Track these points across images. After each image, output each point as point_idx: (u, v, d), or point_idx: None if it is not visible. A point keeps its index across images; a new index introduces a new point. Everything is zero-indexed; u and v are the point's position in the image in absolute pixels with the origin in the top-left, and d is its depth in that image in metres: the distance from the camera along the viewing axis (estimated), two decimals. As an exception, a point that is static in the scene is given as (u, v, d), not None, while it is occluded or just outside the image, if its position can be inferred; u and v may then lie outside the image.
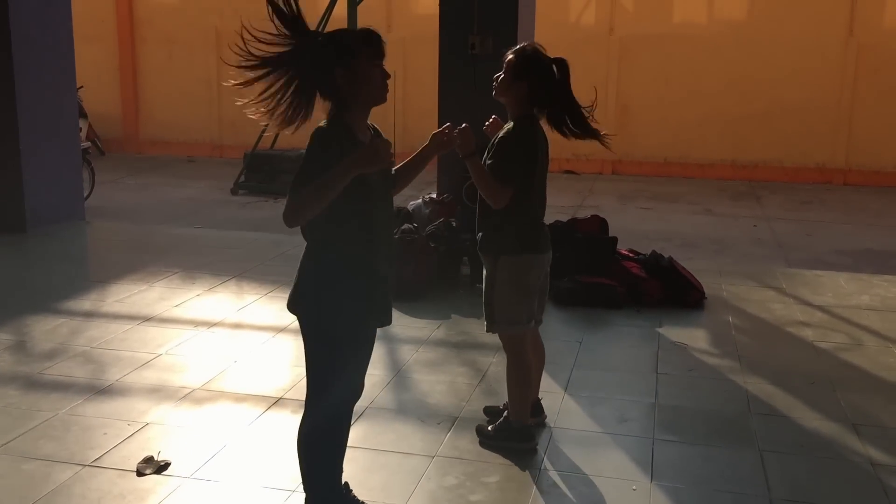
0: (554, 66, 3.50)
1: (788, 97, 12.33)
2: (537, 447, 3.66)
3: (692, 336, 5.23)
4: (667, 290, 5.83)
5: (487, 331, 3.67)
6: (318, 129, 2.68)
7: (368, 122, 2.83)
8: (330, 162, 2.59)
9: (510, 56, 3.51)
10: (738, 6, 12.63)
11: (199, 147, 14.36)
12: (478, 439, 3.71)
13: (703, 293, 5.91)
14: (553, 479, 3.44)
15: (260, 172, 11.11)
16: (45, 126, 7.71)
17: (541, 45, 3.58)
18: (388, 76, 2.73)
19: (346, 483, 3.09)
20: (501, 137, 3.53)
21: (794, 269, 7.27)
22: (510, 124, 3.54)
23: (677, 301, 5.79)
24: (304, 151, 2.66)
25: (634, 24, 12.82)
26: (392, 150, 2.68)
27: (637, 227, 8.90)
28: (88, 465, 3.45)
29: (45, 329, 5.10)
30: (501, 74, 3.51)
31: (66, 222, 7.95)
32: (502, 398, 4.23)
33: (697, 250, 8.18)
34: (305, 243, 2.83)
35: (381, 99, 2.74)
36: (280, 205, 3.10)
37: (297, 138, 2.99)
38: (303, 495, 2.98)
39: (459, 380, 4.46)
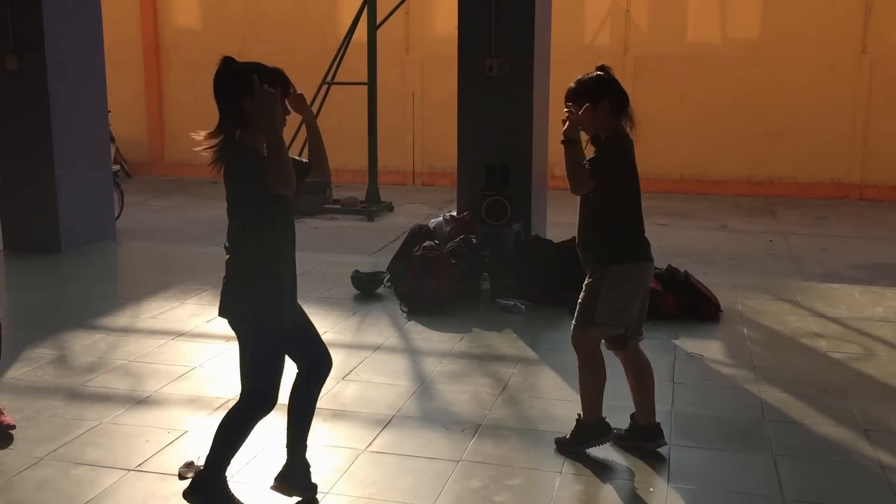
0: (606, 73, 3.68)
1: (803, 113, 12.48)
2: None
3: (708, 347, 5.37)
4: (683, 303, 5.98)
5: (582, 331, 3.73)
6: (235, 158, 3.07)
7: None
8: (261, 174, 2.99)
9: (574, 87, 3.66)
10: (752, 25, 12.80)
11: (223, 169, 14.66)
12: (554, 447, 3.86)
13: (719, 306, 6.05)
14: (573, 482, 3.60)
15: (283, 193, 11.35)
16: (79, 150, 7.99)
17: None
18: (287, 111, 3.18)
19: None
20: (598, 148, 3.68)
21: (809, 282, 7.40)
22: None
23: (693, 314, 5.94)
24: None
25: (649, 43, 13.03)
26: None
27: (653, 243, 8.95)
28: (133, 470, 3.65)
29: (84, 344, 5.33)
30: (572, 109, 3.61)
31: (98, 242, 8.21)
32: (524, 408, 4.40)
33: (713, 265, 8.31)
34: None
35: (280, 127, 3.09)
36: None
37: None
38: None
39: (482, 390, 4.63)
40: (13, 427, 3.98)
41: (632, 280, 3.72)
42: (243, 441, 3.27)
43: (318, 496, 3.45)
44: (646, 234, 3.80)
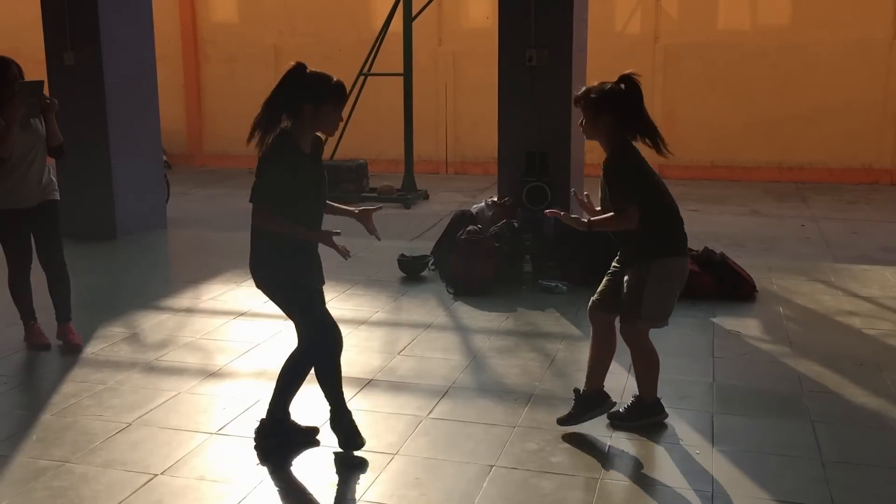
0: (623, 85, 3.75)
1: (833, 99, 12.56)
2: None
3: (745, 325, 5.59)
4: (719, 283, 6.19)
5: (629, 326, 3.90)
6: (281, 143, 3.53)
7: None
8: (284, 170, 3.50)
9: (580, 97, 3.80)
10: (782, 12, 12.89)
11: (260, 159, 15.00)
12: (608, 422, 4.02)
13: (755, 286, 6.26)
14: (622, 445, 3.85)
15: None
16: (132, 141, 8.34)
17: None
18: (341, 119, 3.64)
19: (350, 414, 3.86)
20: (606, 166, 3.81)
21: (841, 264, 7.57)
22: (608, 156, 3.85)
23: (730, 294, 6.15)
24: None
25: (679, 31, 13.16)
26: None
27: (687, 229, 9.21)
28: (215, 434, 3.96)
29: (152, 323, 5.65)
30: (582, 118, 3.82)
31: (150, 230, 8.56)
32: (573, 381, 4.63)
33: (746, 249, 8.48)
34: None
35: (331, 134, 3.71)
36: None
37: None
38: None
39: (531, 364, 4.89)
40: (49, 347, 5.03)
41: (674, 273, 3.88)
42: (336, 370, 3.76)
43: (386, 457, 3.72)
44: (683, 229, 3.94)
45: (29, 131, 4.85)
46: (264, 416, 3.84)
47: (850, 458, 3.74)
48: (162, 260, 7.80)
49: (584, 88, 3.84)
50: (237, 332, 5.49)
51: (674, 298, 3.95)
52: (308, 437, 3.89)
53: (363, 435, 3.78)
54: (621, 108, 3.75)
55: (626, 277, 3.90)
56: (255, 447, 3.78)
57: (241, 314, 5.86)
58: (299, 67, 3.59)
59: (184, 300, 6.20)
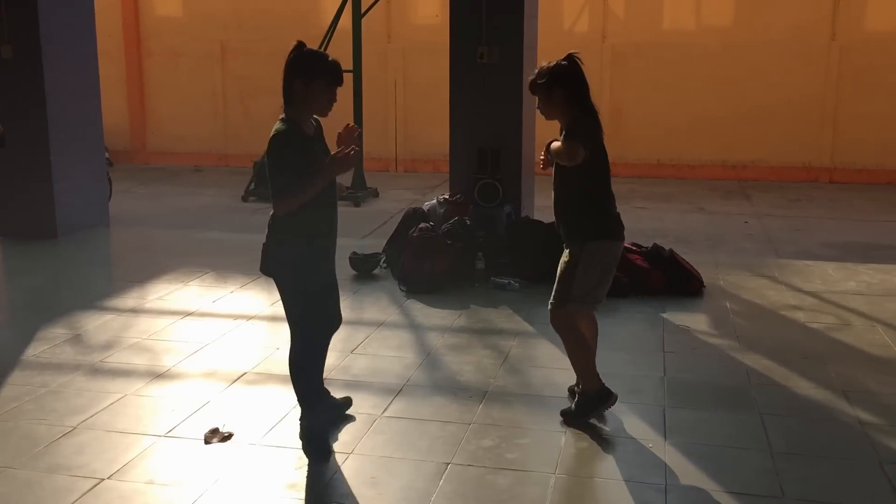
0: (567, 62, 3.84)
1: (775, 99, 12.85)
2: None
3: (694, 320, 5.67)
4: (668, 279, 6.27)
5: (556, 308, 3.95)
6: (277, 134, 3.45)
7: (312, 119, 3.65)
8: (295, 154, 3.42)
9: (532, 80, 3.87)
10: (725, 13, 13.14)
11: (206, 157, 14.76)
12: (560, 419, 4.02)
13: (703, 282, 6.35)
14: (578, 440, 3.87)
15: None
16: (74, 137, 8.11)
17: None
18: (334, 100, 3.55)
19: (327, 389, 4.03)
20: (568, 129, 3.83)
21: (785, 259, 7.73)
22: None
23: (678, 290, 6.23)
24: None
25: (626, 31, 13.33)
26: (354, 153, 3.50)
27: (634, 226, 9.22)
28: (163, 436, 3.87)
29: (96, 324, 5.50)
30: (538, 99, 3.88)
31: (92, 229, 8.34)
32: (527, 377, 4.67)
33: (692, 246, 8.62)
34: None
35: (323, 115, 3.61)
36: None
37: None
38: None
39: (485, 360, 4.88)
40: None
41: (607, 256, 3.95)
42: (319, 370, 3.82)
43: (342, 456, 3.68)
44: (619, 215, 3.99)
45: None
46: (299, 420, 3.78)
47: (798, 449, 3.81)
48: (105, 259, 7.60)
49: (534, 72, 3.90)
50: (185, 332, 5.38)
51: (606, 282, 3.97)
52: (344, 409, 4.08)
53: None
54: (571, 83, 3.83)
55: (562, 258, 3.96)
56: (304, 451, 3.68)
57: (189, 314, 5.74)
58: (297, 46, 3.53)
59: (129, 300, 6.05)
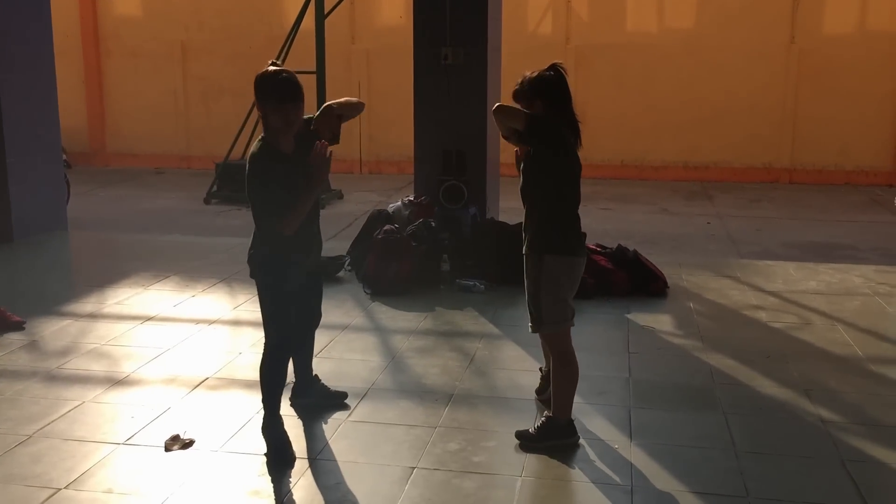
0: (551, 73, 3.76)
1: (736, 101, 13.00)
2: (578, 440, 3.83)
3: (658, 320, 5.70)
4: (633, 280, 6.30)
5: (533, 331, 3.85)
6: (252, 156, 3.50)
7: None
8: (270, 176, 3.45)
9: (517, 90, 3.79)
10: (687, 15, 13.27)
11: (167, 159, 14.55)
12: (518, 442, 3.81)
13: (666, 283, 6.39)
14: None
15: (232, 182, 11.37)
16: (30, 139, 7.94)
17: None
18: (291, 118, 3.48)
19: (316, 375, 4.22)
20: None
21: (746, 260, 7.82)
22: None
23: (643, 290, 6.26)
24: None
25: (589, 33, 13.39)
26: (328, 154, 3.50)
27: (599, 227, 9.37)
28: (122, 444, 3.78)
29: (53, 329, 5.37)
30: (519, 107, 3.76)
31: (50, 232, 8.17)
32: (493, 380, 4.65)
33: (656, 246, 8.67)
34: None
35: (286, 133, 3.51)
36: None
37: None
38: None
39: (451, 363, 4.85)
40: (23, 322, 5.28)
41: (568, 272, 3.77)
42: (282, 380, 3.77)
43: (305, 462, 3.63)
44: (581, 231, 3.84)
45: None
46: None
47: (762, 448, 3.84)
48: (63, 263, 7.44)
49: (521, 79, 3.80)
50: (144, 337, 5.28)
51: (570, 297, 3.81)
52: (337, 401, 4.18)
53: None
54: (552, 95, 3.75)
55: (525, 280, 3.83)
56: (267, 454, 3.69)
57: (149, 319, 5.63)
58: (269, 65, 3.54)
59: (87, 305, 5.92)
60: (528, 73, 3.82)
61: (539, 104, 3.75)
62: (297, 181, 3.49)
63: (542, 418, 3.89)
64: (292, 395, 4.18)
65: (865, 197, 11.95)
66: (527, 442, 3.81)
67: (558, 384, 3.83)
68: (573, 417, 3.87)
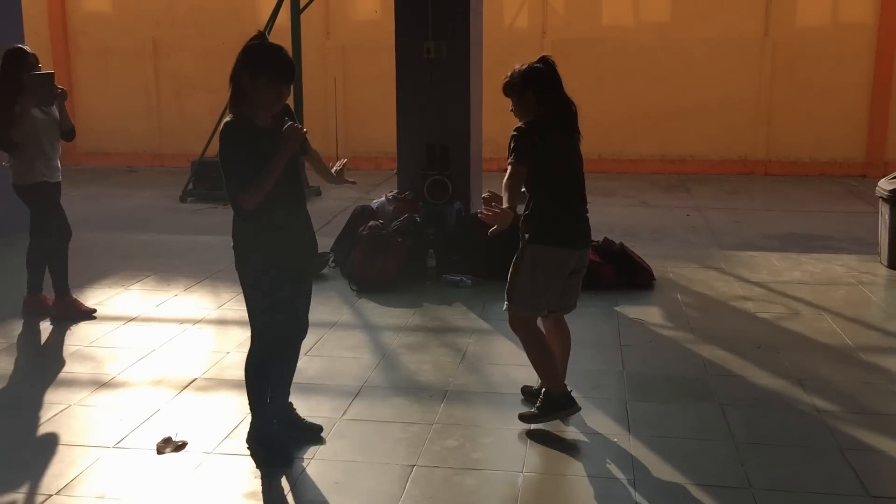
0: (540, 65, 3.78)
1: (711, 94, 13.08)
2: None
3: (647, 313, 5.69)
4: (620, 273, 6.29)
5: (505, 308, 3.88)
6: (225, 125, 3.32)
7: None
8: (241, 146, 3.29)
9: (506, 80, 3.80)
10: (662, 9, 13.31)
11: (139, 157, 14.34)
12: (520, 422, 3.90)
13: (653, 275, 6.39)
14: (542, 438, 3.81)
15: (208, 180, 11.22)
16: None
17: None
18: (281, 97, 3.37)
19: (291, 403, 3.82)
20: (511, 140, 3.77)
21: (729, 251, 7.84)
22: None
23: (629, 283, 6.25)
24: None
25: (565, 27, 13.39)
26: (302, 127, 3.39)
27: (580, 220, 9.38)
28: (112, 448, 3.68)
29: (34, 332, 5.24)
30: (512, 102, 3.80)
31: (23, 232, 7.95)
32: (486, 375, 4.60)
33: (638, 239, 8.68)
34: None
35: (271, 111, 3.40)
36: (227, 210, 3.51)
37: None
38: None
39: (443, 359, 4.80)
40: (94, 311, 5.53)
41: (549, 262, 3.78)
42: (266, 383, 3.60)
43: (304, 462, 3.55)
44: (577, 223, 3.85)
45: (51, 116, 5.39)
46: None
47: (760, 438, 3.83)
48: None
49: (508, 74, 3.82)
50: (128, 338, 5.16)
51: (545, 289, 3.81)
52: (312, 434, 3.77)
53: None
54: (544, 85, 3.77)
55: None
56: (250, 453, 3.58)
57: (132, 319, 5.52)
58: (256, 36, 3.38)
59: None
60: (517, 66, 3.82)
61: (531, 95, 3.77)
62: (270, 156, 3.34)
63: (541, 397, 3.94)
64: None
65: (840, 187, 12.07)
66: (530, 419, 3.90)
67: (532, 360, 3.91)
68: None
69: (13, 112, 5.17)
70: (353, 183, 3.87)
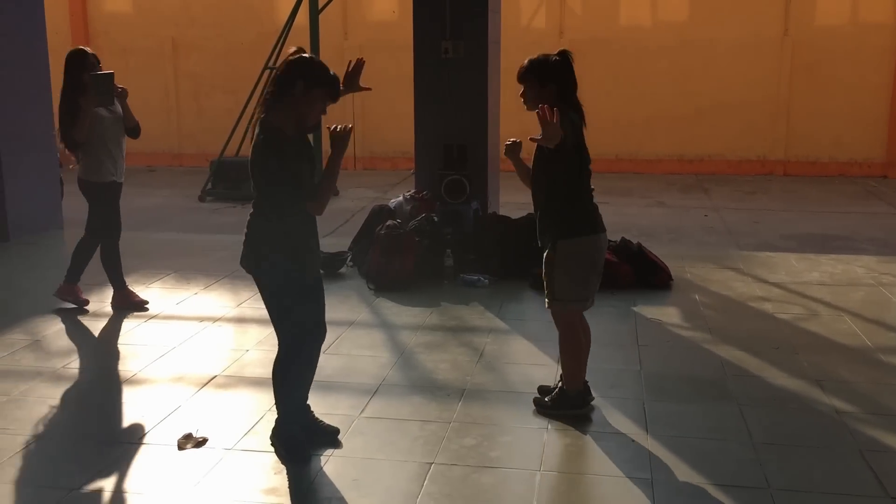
0: (559, 58, 3.79)
1: (730, 94, 13.02)
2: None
3: (665, 313, 5.68)
4: (637, 273, 6.28)
5: (548, 307, 3.98)
6: (265, 139, 3.34)
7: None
8: (289, 157, 3.33)
9: (525, 70, 3.80)
10: (680, 9, 13.28)
11: (159, 157, 14.45)
12: (534, 409, 4.05)
13: (670, 275, 6.38)
14: (561, 437, 3.83)
15: (227, 179, 11.30)
16: (25, 137, 7.85)
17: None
18: (324, 112, 3.43)
19: (308, 405, 3.79)
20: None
21: (747, 251, 7.82)
22: None
23: (647, 282, 6.25)
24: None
25: (583, 27, 13.38)
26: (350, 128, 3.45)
27: (597, 220, 9.38)
28: (135, 443, 3.73)
29: (55, 329, 5.31)
30: (526, 89, 3.81)
31: (46, 231, 8.08)
32: (504, 374, 4.62)
33: (655, 239, 8.66)
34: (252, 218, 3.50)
35: (310, 122, 3.44)
36: (247, 209, 3.56)
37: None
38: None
39: (460, 358, 4.82)
40: (147, 302, 5.69)
41: (582, 252, 3.87)
42: (294, 383, 3.62)
43: (322, 459, 3.59)
44: (595, 208, 3.95)
45: (116, 114, 5.46)
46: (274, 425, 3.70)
47: (778, 439, 3.82)
48: (60, 262, 7.27)
49: (526, 63, 3.82)
50: (149, 335, 5.22)
51: (587, 277, 3.91)
52: (330, 438, 3.75)
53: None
54: (565, 79, 3.80)
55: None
56: (278, 456, 3.59)
57: (153, 317, 5.57)
58: (300, 50, 3.44)
59: (89, 304, 5.84)
60: (533, 57, 3.84)
61: (552, 88, 3.79)
62: (309, 161, 3.45)
63: (556, 389, 4.03)
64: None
65: (860, 188, 11.98)
66: (541, 409, 4.03)
67: (565, 359, 4.02)
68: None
69: (76, 112, 5.26)
70: (369, 89, 3.91)
